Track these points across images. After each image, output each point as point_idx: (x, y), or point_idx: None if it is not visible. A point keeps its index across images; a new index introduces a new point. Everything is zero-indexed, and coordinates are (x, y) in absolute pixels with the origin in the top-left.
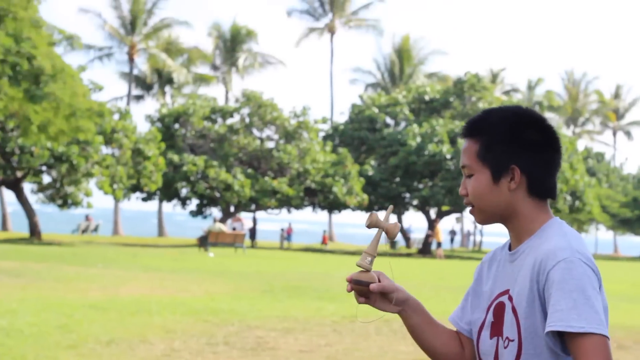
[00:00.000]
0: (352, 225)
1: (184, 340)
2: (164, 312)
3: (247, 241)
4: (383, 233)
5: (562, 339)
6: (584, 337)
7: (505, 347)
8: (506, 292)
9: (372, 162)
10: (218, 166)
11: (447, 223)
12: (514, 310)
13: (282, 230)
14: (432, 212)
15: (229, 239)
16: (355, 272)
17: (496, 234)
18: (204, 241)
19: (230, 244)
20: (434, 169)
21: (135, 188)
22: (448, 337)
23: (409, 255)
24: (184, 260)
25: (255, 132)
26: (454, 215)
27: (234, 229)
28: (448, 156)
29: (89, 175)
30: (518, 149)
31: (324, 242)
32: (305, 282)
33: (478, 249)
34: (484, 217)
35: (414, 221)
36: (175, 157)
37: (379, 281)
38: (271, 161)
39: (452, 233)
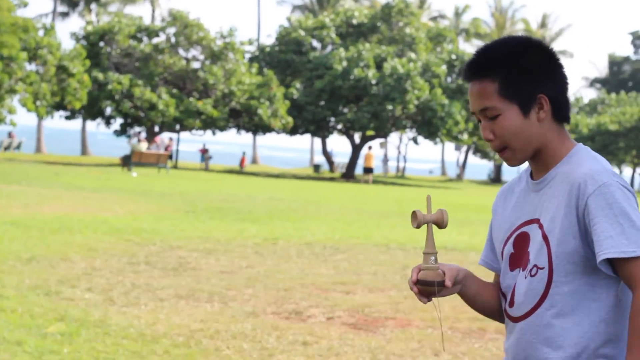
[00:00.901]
0: (276, 148)
1: (105, 259)
2: (86, 230)
3: (171, 162)
4: (433, 226)
5: (612, 264)
6: (636, 261)
7: (532, 276)
8: (531, 221)
9: (298, 85)
10: (143, 85)
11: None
12: (545, 237)
13: (206, 151)
14: (357, 137)
15: (152, 159)
16: (419, 273)
17: (418, 160)
18: (127, 161)
19: (154, 164)
20: (359, 94)
21: (59, 106)
22: (494, 295)
23: (332, 179)
24: (107, 180)
25: (181, 52)
26: (378, 140)
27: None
28: (373, 81)
29: (12, 91)
30: (539, 76)
31: (241, 164)
32: (227, 203)
33: (401, 175)
34: (521, 155)
35: (338, 145)
36: (100, 76)
37: (444, 274)
38: (196, 82)
39: (385, 161)
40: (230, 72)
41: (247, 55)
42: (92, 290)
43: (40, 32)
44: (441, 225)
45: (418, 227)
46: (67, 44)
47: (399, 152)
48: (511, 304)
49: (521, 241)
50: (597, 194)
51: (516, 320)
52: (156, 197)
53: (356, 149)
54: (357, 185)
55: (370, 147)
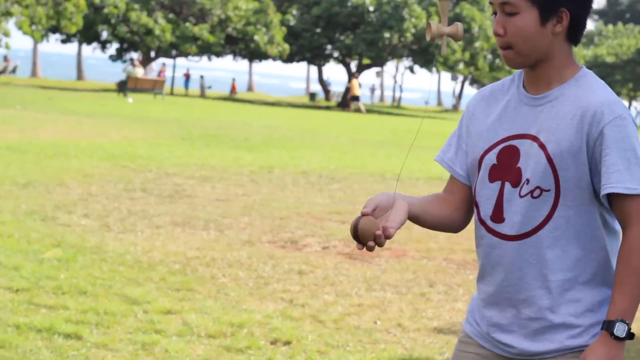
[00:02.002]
0: (273, 75)
1: (101, 185)
2: (82, 156)
3: (167, 87)
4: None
5: (609, 196)
6: (636, 198)
7: (534, 197)
8: (524, 136)
9: (295, 12)
10: (139, 10)
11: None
12: (549, 159)
13: (201, 77)
14: (353, 65)
15: (148, 85)
16: (360, 221)
17: (413, 90)
18: (123, 86)
19: (150, 90)
20: (356, 21)
21: (55, 29)
22: (441, 206)
23: (328, 108)
24: (103, 105)
25: None
26: (374, 69)
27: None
28: (371, 8)
29: (7, 14)
30: None
31: (232, 91)
32: (223, 130)
33: (397, 105)
34: (522, 60)
35: (335, 74)
36: None
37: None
38: (193, 7)
39: (372, 90)
40: None
41: None
42: (89, 216)
43: None
44: (456, 37)
45: (432, 39)
46: None
47: (395, 82)
48: (497, 219)
49: (508, 154)
50: (612, 125)
51: (509, 238)
52: (152, 123)
53: (352, 78)
54: (353, 114)
55: (355, 76)
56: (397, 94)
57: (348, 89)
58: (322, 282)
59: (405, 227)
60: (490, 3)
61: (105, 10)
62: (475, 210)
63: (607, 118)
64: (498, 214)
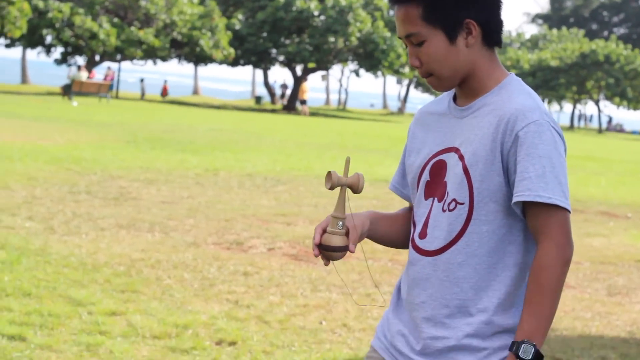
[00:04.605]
0: (218, 79)
1: (45, 187)
2: (26, 159)
3: (112, 92)
4: (348, 190)
5: (523, 207)
6: (549, 209)
7: (450, 210)
8: (450, 149)
9: (240, 16)
10: (84, 14)
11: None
12: (465, 170)
13: (141, 80)
14: (298, 69)
15: (93, 89)
16: (323, 236)
17: (360, 94)
18: (68, 90)
19: (95, 94)
20: (301, 25)
21: None
22: (407, 224)
23: (273, 111)
24: (48, 109)
25: None
26: (319, 73)
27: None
28: (316, 13)
29: None
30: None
31: (163, 93)
32: (168, 134)
33: (343, 108)
34: (448, 83)
35: (282, 77)
36: (40, 3)
37: (348, 237)
38: (138, 11)
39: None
40: (171, 1)
41: None
42: (33, 218)
43: None
44: (356, 189)
45: (331, 188)
46: None
47: (341, 85)
48: (422, 235)
49: (437, 169)
50: (525, 131)
51: (427, 254)
52: (97, 126)
53: (298, 81)
54: (298, 117)
55: (305, 79)
56: (343, 97)
57: (293, 93)
58: (268, 283)
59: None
60: (399, 38)
61: (50, 15)
62: (412, 231)
63: (520, 124)
64: (424, 230)
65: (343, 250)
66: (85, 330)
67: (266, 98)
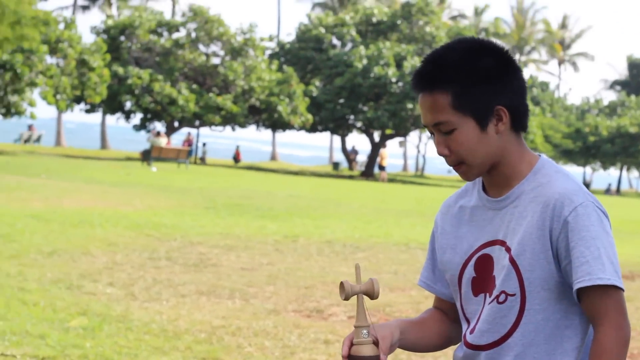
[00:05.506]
0: (296, 145)
1: (126, 253)
2: (106, 225)
3: (191, 157)
4: (365, 297)
5: (579, 291)
6: (606, 290)
7: (500, 303)
8: (493, 242)
9: (318, 83)
10: (163, 80)
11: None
12: (512, 261)
13: (204, 145)
14: (376, 135)
15: (172, 154)
16: (352, 348)
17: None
18: (147, 155)
19: (174, 159)
20: (379, 92)
21: (79, 99)
22: (439, 326)
23: (351, 177)
24: (127, 174)
25: (201, 47)
26: (397, 139)
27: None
28: (393, 79)
29: (32, 84)
30: (495, 85)
31: (236, 158)
32: (247, 200)
33: (420, 174)
34: (478, 170)
35: (359, 143)
36: (120, 70)
37: (377, 344)
38: (216, 77)
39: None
40: (250, 68)
41: (267, 52)
42: (114, 284)
43: (61, 26)
44: (372, 296)
45: (346, 299)
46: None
47: (418, 151)
48: (472, 331)
49: (483, 264)
50: (574, 215)
51: (481, 348)
52: (176, 192)
53: (375, 147)
54: (376, 183)
55: (384, 146)
56: (420, 163)
57: (371, 159)
58: None
59: (430, 295)
60: (425, 126)
61: (129, 81)
62: (464, 327)
63: (567, 209)
64: (474, 326)
65: (374, 359)
66: None
67: (344, 164)
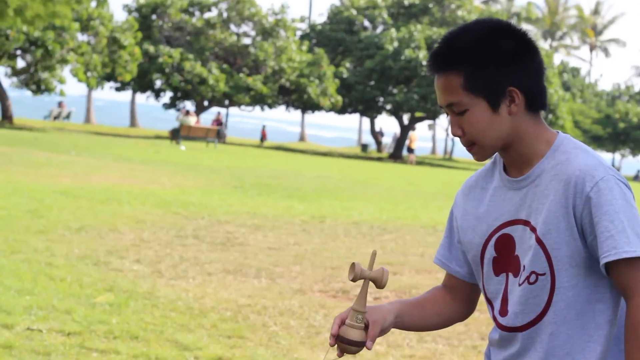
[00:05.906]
0: (323, 126)
1: (153, 231)
2: (134, 202)
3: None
4: (370, 283)
5: (607, 265)
6: (634, 262)
7: (531, 283)
8: (515, 222)
9: (348, 65)
10: (193, 59)
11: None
12: (539, 241)
13: (220, 123)
14: (405, 118)
15: (201, 133)
16: (342, 327)
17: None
18: (176, 134)
19: (202, 138)
20: (409, 75)
21: (110, 77)
22: (440, 306)
23: (379, 159)
24: (156, 152)
25: (233, 27)
26: (426, 122)
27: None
28: (424, 62)
29: (63, 61)
30: (508, 66)
31: (262, 137)
32: (276, 180)
33: (449, 157)
34: (490, 151)
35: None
36: (151, 48)
37: (367, 328)
38: (247, 58)
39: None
40: (280, 49)
41: (298, 33)
42: (141, 262)
43: (93, 3)
44: (379, 284)
45: (354, 280)
46: (119, 16)
47: (447, 135)
48: (503, 313)
49: (504, 244)
50: (596, 190)
51: (515, 330)
52: (204, 171)
53: (404, 130)
54: (404, 166)
55: (413, 128)
56: (449, 146)
57: (400, 141)
58: None
59: None
60: (440, 107)
61: (160, 60)
62: (489, 308)
63: (589, 185)
64: (504, 308)
65: (360, 345)
66: None
67: (372, 146)
